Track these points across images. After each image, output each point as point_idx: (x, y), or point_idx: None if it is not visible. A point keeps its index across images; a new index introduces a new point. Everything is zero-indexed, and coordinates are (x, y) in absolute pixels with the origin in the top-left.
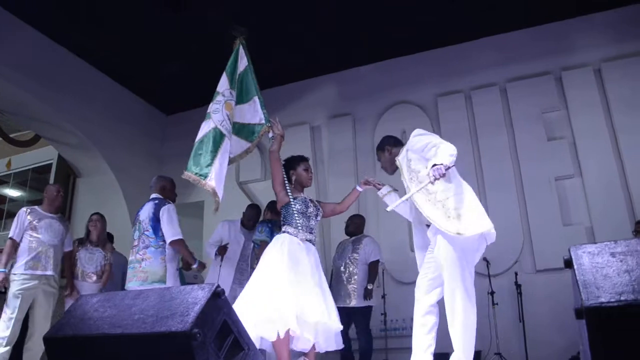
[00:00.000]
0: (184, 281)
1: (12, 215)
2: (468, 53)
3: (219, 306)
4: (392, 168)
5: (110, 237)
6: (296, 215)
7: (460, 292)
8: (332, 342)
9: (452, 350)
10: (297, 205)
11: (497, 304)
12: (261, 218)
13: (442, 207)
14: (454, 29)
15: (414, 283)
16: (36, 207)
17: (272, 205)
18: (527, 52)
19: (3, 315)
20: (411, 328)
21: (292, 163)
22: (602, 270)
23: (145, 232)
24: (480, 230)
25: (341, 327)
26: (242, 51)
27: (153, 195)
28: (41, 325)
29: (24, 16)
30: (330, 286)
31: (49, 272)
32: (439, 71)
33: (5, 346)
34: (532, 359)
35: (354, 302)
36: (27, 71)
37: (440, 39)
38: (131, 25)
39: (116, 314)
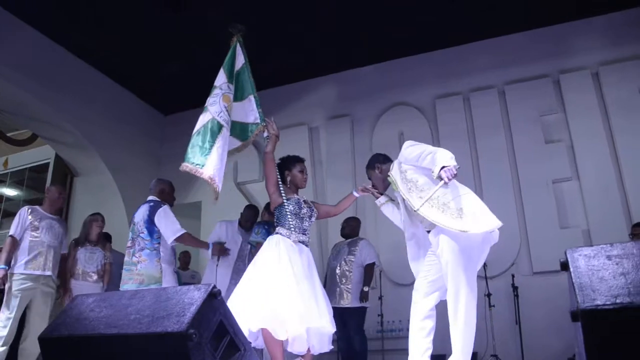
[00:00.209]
0: (180, 282)
1: (9, 214)
2: (466, 55)
3: (215, 307)
4: (383, 185)
5: (107, 237)
6: (289, 216)
7: (464, 291)
8: (325, 344)
9: (449, 352)
10: (290, 206)
11: (493, 306)
12: (259, 219)
13: (447, 209)
14: (452, 31)
15: (411, 284)
16: (37, 207)
17: (269, 206)
18: (526, 55)
19: (1, 314)
20: (407, 329)
21: (287, 163)
22: (598, 273)
23: (141, 235)
24: (488, 227)
25: (333, 330)
26: (239, 49)
27: (150, 198)
28: (38, 326)
29: (24, 16)
30: (325, 287)
31: (48, 273)
32: (437, 73)
33: (2, 346)
34: None
35: (347, 303)
36: (26, 70)
37: (439, 41)
38: (130, 26)
39: (112, 314)
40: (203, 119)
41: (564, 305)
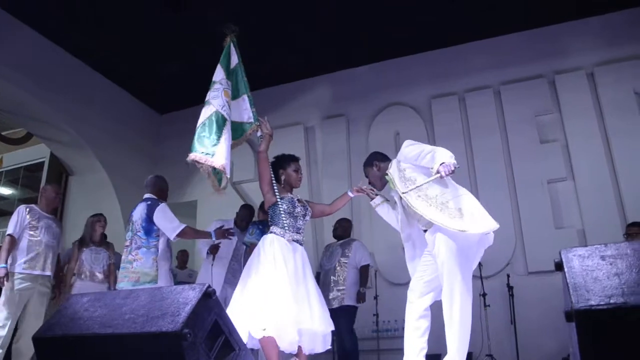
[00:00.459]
0: (175, 281)
1: (3, 213)
2: (462, 55)
3: (210, 306)
4: (381, 183)
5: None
6: (283, 215)
7: (459, 290)
8: (319, 343)
9: (444, 352)
10: (284, 205)
11: (488, 305)
12: (255, 218)
13: (446, 208)
14: (448, 32)
15: (406, 284)
16: (34, 205)
17: (263, 205)
18: (521, 56)
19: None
20: (403, 329)
21: (282, 162)
22: (592, 273)
23: (138, 233)
24: (486, 228)
25: (327, 330)
26: (232, 49)
27: (146, 196)
28: (33, 325)
29: (21, 16)
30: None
31: (48, 273)
32: (433, 73)
33: (1, 348)
34: None
35: (338, 304)
36: (22, 70)
37: (435, 41)
38: (127, 25)
39: (106, 314)
40: (206, 111)
41: (558, 305)
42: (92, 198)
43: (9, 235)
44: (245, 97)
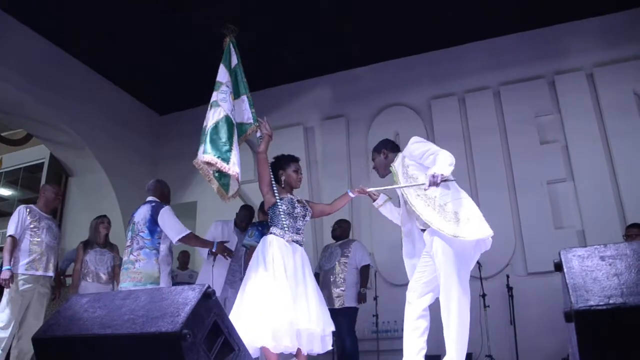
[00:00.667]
0: (174, 283)
1: (3, 214)
2: (462, 56)
3: (209, 307)
4: (384, 171)
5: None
6: (282, 216)
7: (456, 293)
8: (317, 344)
9: (443, 353)
10: (283, 205)
11: (488, 306)
12: (255, 219)
13: (443, 211)
14: (447, 32)
15: (405, 285)
16: (33, 206)
17: (263, 205)
18: (521, 56)
19: (1, 315)
20: (403, 330)
21: (281, 163)
22: (591, 274)
23: (140, 234)
24: (479, 236)
25: (326, 331)
26: (232, 49)
27: (149, 198)
28: (32, 326)
29: (19, 16)
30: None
31: (50, 274)
32: (432, 74)
33: (3, 350)
34: None
35: (339, 304)
36: (21, 70)
37: (434, 42)
38: (126, 25)
39: (106, 315)
40: (216, 113)
41: (558, 306)
42: (91, 199)
43: (10, 236)
44: (245, 97)
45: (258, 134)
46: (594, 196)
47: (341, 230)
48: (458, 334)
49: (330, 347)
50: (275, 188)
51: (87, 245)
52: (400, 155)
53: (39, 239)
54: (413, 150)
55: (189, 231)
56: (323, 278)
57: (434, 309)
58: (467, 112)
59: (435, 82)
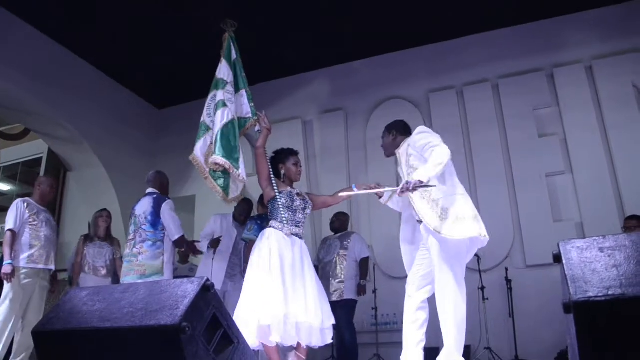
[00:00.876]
0: (176, 275)
1: (1, 209)
2: (460, 49)
3: (208, 300)
4: (389, 152)
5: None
6: (281, 209)
7: (451, 287)
8: (317, 338)
9: (442, 345)
10: (283, 199)
11: (487, 299)
12: (254, 212)
13: (435, 206)
14: (445, 25)
15: (404, 278)
16: (29, 199)
17: (262, 198)
18: (519, 49)
19: (2, 309)
20: (402, 322)
21: (281, 157)
22: (590, 265)
23: (143, 227)
24: (466, 235)
25: (326, 324)
26: (231, 45)
27: (150, 190)
28: (32, 319)
29: (18, 12)
30: None
31: (51, 267)
32: (431, 67)
33: (3, 348)
34: (522, 353)
35: (338, 297)
36: (19, 66)
37: (432, 35)
38: (125, 20)
39: (105, 308)
40: (226, 115)
41: (557, 298)
42: (90, 193)
43: (9, 230)
44: (244, 92)
45: (257, 128)
46: (593, 188)
47: (340, 223)
48: (455, 327)
49: (330, 341)
50: (274, 182)
51: (87, 238)
52: (406, 141)
53: (38, 233)
54: (417, 140)
55: (182, 233)
56: (322, 271)
57: (433, 302)
58: (466, 105)
59: (434, 75)
